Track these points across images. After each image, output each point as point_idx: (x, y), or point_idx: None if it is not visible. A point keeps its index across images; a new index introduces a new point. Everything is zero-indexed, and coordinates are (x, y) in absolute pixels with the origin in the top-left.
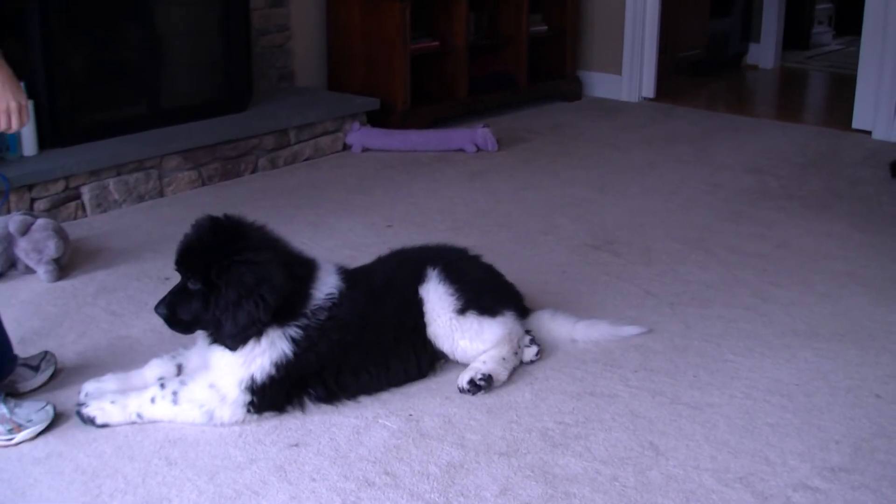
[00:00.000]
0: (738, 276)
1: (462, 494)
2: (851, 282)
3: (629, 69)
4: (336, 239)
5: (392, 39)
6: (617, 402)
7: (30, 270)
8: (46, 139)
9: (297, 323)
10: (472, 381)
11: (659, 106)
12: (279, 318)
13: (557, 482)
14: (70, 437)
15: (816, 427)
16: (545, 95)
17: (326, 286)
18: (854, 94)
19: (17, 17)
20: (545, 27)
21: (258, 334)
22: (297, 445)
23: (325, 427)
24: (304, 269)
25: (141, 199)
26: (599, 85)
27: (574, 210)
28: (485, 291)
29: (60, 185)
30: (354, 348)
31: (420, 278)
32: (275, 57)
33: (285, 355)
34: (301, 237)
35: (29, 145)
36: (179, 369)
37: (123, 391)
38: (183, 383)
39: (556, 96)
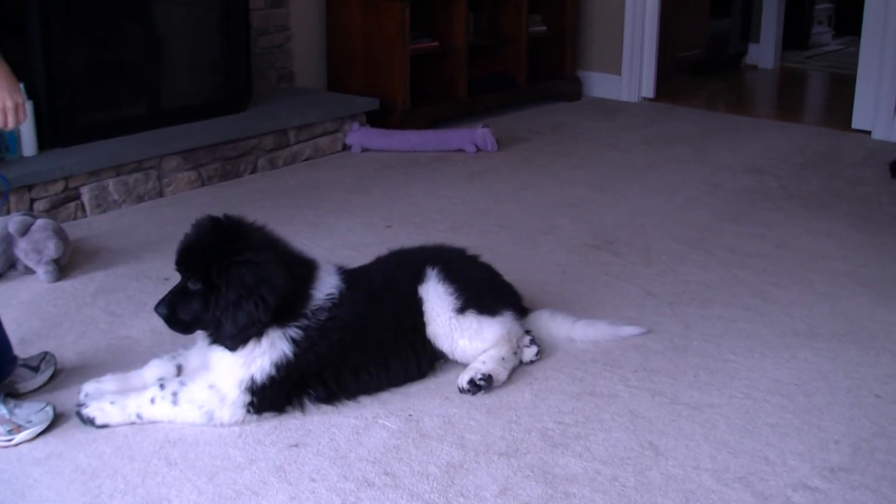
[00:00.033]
0: (738, 276)
1: (462, 494)
2: (851, 282)
3: (629, 69)
4: (335, 239)
5: (392, 40)
6: (617, 402)
7: (29, 271)
8: (46, 139)
9: (297, 323)
10: (471, 381)
11: (659, 106)
12: (279, 318)
13: (557, 482)
14: (70, 438)
15: (816, 427)
16: (545, 95)
17: (326, 286)
18: (854, 94)
19: (17, 17)
20: (545, 27)
21: (258, 335)
22: (296, 446)
23: (324, 427)
24: (304, 270)
25: (140, 199)
26: (599, 85)
27: (574, 210)
28: (484, 291)
29: (60, 186)
30: (354, 348)
31: (419, 278)
32: (274, 57)
33: (285, 356)
34: (300, 237)
35: (28, 146)
36: (179, 370)
37: (123, 392)
38: (182, 384)
39: (556, 96)
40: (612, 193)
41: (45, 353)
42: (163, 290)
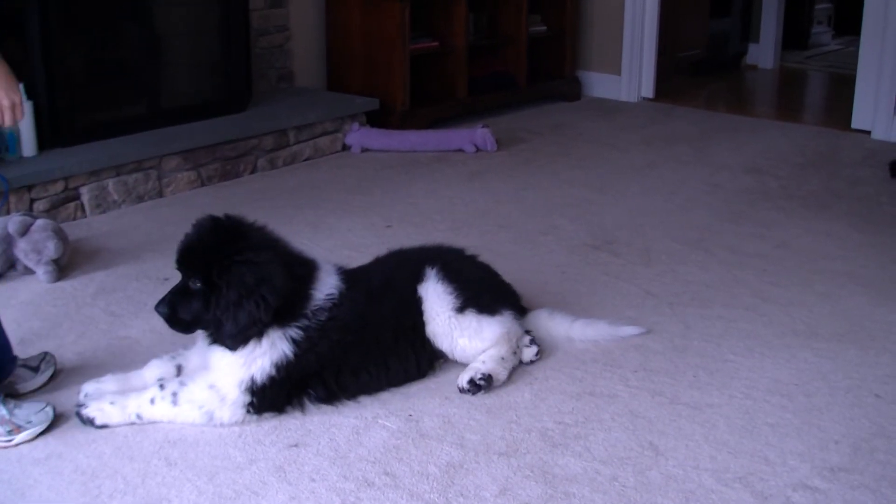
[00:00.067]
0: (738, 276)
1: (461, 494)
2: (851, 282)
3: (628, 69)
4: (335, 239)
5: (391, 40)
6: (616, 402)
7: (29, 271)
8: (46, 140)
9: (297, 324)
10: (471, 381)
11: (658, 106)
12: (280, 318)
13: (557, 482)
14: (69, 438)
15: (816, 427)
16: (544, 96)
17: (326, 287)
18: (853, 94)
19: (17, 17)
20: (544, 27)
21: (258, 334)
22: (296, 446)
23: (324, 427)
24: (304, 270)
25: (140, 199)
26: (599, 85)
27: (573, 210)
28: (483, 290)
29: (60, 186)
30: (354, 348)
31: (418, 277)
32: (274, 57)
33: (286, 356)
34: (300, 237)
35: (28, 146)
36: (179, 370)
37: (123, 392)
38: (182, 384)
39: (556, 96)
40: (612, 193)
41: (45, 354)
42: (163, 290)
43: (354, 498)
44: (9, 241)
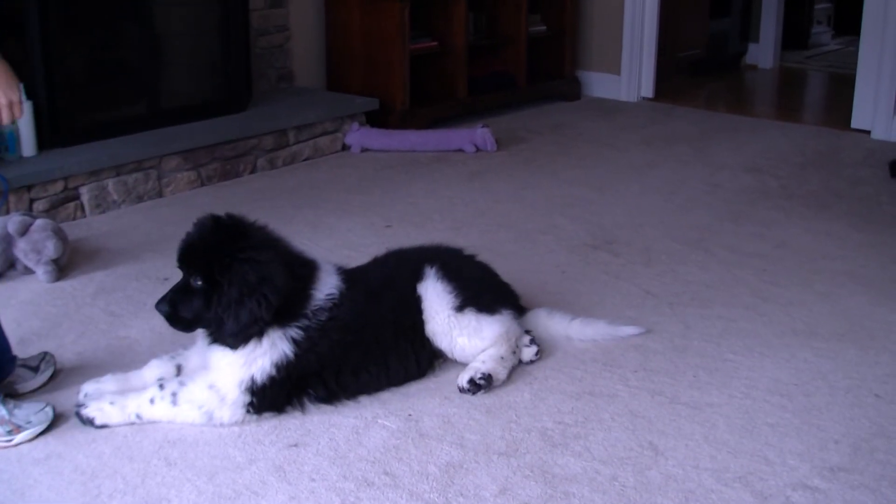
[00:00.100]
0: (738, 275)
1: (461, 494)
2: (851, 281)
3: (628, 69)
4: (335, 239)
5: (391, 39)
6: (616, 401)
7: (29, 271)
8: (45, 139)
9: (297, 324)
10: (471, 381)
11: (658, 106)
12: (280, 318)
13: (557, 482)
14: (69, 438)
15: (816, 427)
16: (544, 95)
17: (327, 287)
18: (853, 94)
19: (17, 17)
20: (544, 27)
21: (259, 333)
22: (296, 446)
23: (324, 427)
24: (304, 270)
25: (140, 199)
26: (598, 85)
27: (573, 210)
28: (483, 289)
29: (59, 186)
30: (355, 348)
31: (418, 276)
32: (274, 57)
33: (286, 356)
34: (300, 237)
35: (28, 146)
36: (179, 370)
37: (122, 392)
38: (182, 384)
39: (556, 96)
40: (612, 193)
41: (45, 354)
42: (163, 290)
43: (354, 498)
44: (8, 240)
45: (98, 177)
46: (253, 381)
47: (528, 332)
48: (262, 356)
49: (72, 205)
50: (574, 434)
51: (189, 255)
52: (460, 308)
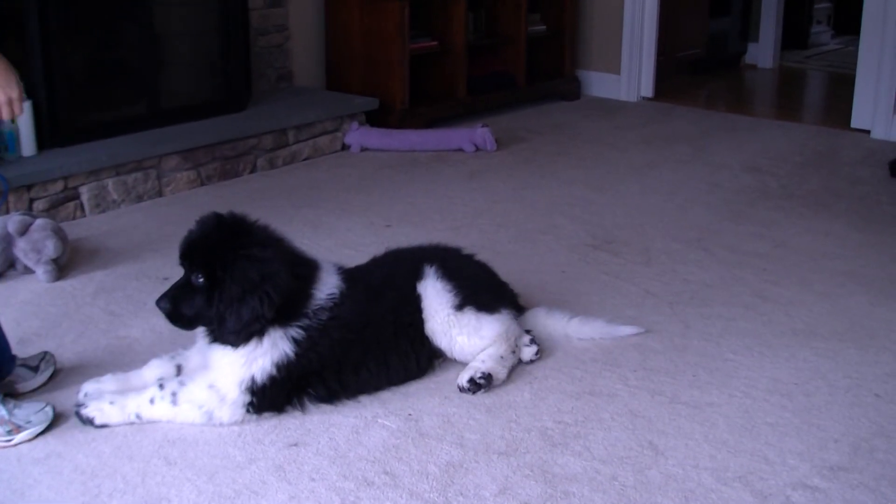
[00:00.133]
0: (738, 275)
1: (461, 494)
2: (850, 281)
3: (628, 69)
4: (335, 239)
5: (391, 39)
6: (616, 401)
7: (28, 271)
8: (45, 139)
9: (298, 323)
10: (472, 380)
11: (658, 105)
12: (281, 318)
13: (556, 481)
14: (69, 438)
15: (815, 426)
16: (544, 95)
17: (328, 286)
18: (853, 94)
19: (17, 17)
20: (544, 27)
21: (260, 331)
22: (296, 445)
23: (324, 427)
24: (306, 270)
25: (140, 199)
26: (598, 84)
27: (573, 210)
28: (482, 288)
29: (59, 186)
30: (355, 346)
31: (417, 275)
32: (273, 57)
33: (287, 356)
34: (300, 237)
35: (28, 145)
36: (179, 370)
37: (122, 392)
38: (182, 384)
39: (555, 96)
40: (612, 193)
41: (45, 353)
42: (163, 289)
43: (354, 497)
44: (8, 240)
45: (98, 176)
46: (253, 380)
47: (528, 331)
48: (263, 356)
49: (71, 204)
50: (574, 433)
51: (192, 252)
52: (460, 307)
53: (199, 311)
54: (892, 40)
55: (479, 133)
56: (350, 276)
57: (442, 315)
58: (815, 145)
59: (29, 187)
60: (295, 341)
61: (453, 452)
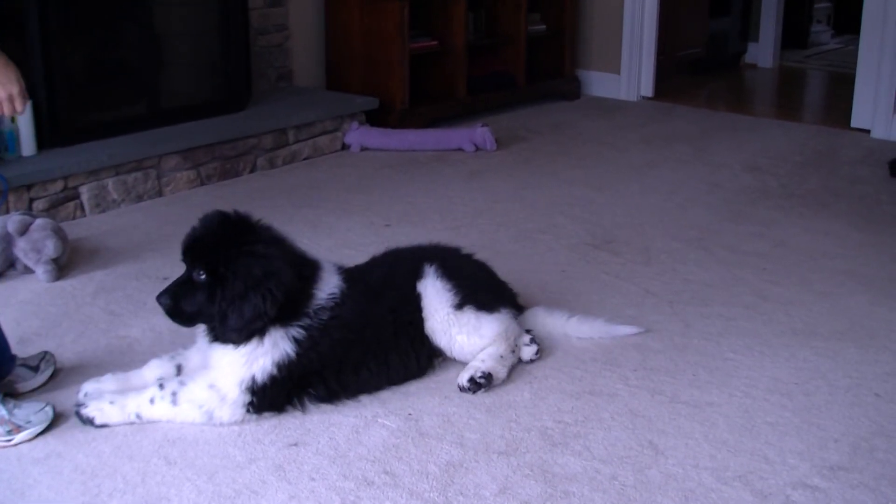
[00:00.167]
0: (738, 274)
1: (461, 493)
2: (850, 280)
3: (628, 68)
4: (335, 238)
5: (391, 39)
6: (616, 400)
7: (28, 270)
8: (45, 139)
9: (299, 323)
10: (472, 380)
11: (658, 105)
12: (282, 318)
13: (556, 481)
14: (69, 438)
15: (815, 426)
16: (544, 95)
17: (329, 286)
18: (853, 93)
19: (17, 17)
20: (543, 26)
21: (262, 330)
22: (296, 445)
23: (324, 426)
24: (307, 270)
25: (140, 198)
26: (598, 84)
27: (573, 209)
28: (481, 288)
29: (59, 185)
30: (356, 346)
31: (417, 275)
32: (273, 56)
33: (287, 355)
34: (300, 236)
35: (28, 145)
36: (179, 369)
37: (122, 391)
38: (182, 384)
39: (555, 96)
40: (612, 192)
41: (45, 353)
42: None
43: (354, 497)
44: (8, 240)
45: (98, 176)
46: (254, 380)
47: (528, 331)
48: (264, 355)
49: (71, 204)
50: (574, 433)
51: (194, 248)
52: (459, 306)
53: (200, 308)
54: (892, 40)
55: (479, 133)
56: (350, 275)
57: (442, 314)
58: (814, 145)
59: (29, 187)
60: (296, 341)
61: (453, 452)
